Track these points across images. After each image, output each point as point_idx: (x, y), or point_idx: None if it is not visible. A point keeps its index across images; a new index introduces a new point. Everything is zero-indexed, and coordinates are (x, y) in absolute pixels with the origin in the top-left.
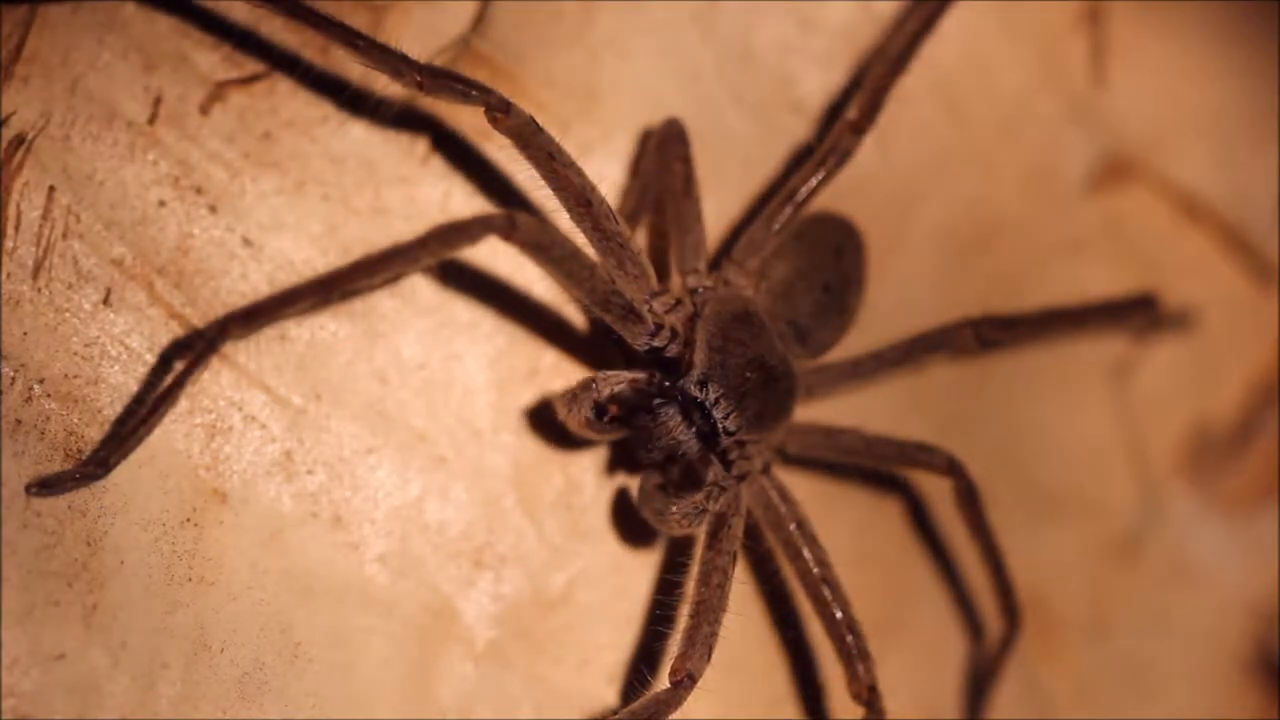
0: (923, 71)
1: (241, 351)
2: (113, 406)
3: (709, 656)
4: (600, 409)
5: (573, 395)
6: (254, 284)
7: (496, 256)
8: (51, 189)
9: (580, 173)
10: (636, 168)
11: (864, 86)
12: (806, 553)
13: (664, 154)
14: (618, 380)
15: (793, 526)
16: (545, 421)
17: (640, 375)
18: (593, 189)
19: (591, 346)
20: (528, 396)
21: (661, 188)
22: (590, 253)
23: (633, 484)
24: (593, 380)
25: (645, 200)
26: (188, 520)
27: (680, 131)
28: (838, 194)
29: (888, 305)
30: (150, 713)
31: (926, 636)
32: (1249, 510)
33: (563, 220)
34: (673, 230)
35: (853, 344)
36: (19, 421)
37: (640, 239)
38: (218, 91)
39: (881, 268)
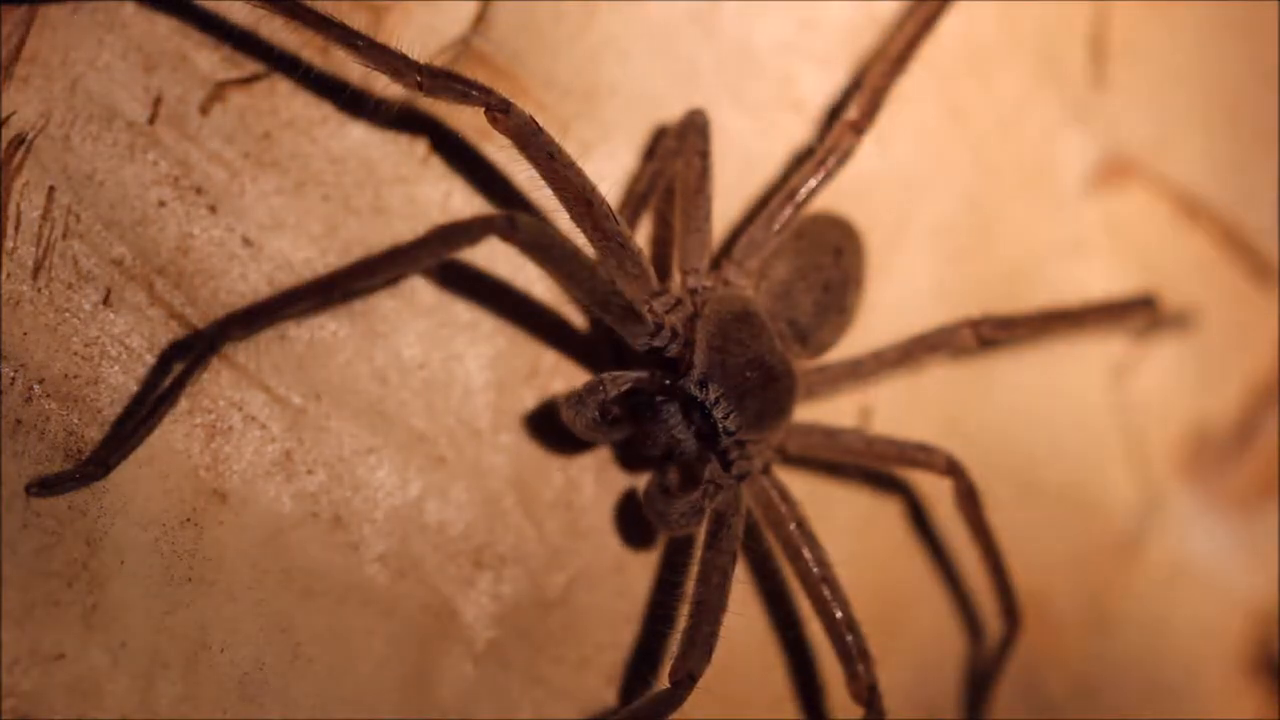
0: (923, 71)
1: (241, 351)
2: (113, 406)
3: (709, 656)
4: (604, 411)
5: (579, 398)
6: (254, 284)
7: (496, 256)
8: (51, 189)
9: (580, 173)
10: (653, 150)
11: (864, 86)
12: (806, 553)
13: (684, 143)
14: (624, 380)
15: (793, 526)
16: (548, 424)
17: (644, 374)
18: (593, 189)
19: (591, 346)
20: (528, 396)
21: (675, 178)
22: (590, 253)
23: (639, 484)
24: (600, 381)
25: (656, 185)
26: (188, 520)
27: (704, 124)
28: (838, 194)
29: (888, 305)
30: (150, 713)
31: (926, 636)
32: (1249, 510)
33: (563, 220)
34: (679, 225)
35: (853, 344)
36: (19, 421)
37: (644, 229)
38: (218, 91)
39: (881, 268)
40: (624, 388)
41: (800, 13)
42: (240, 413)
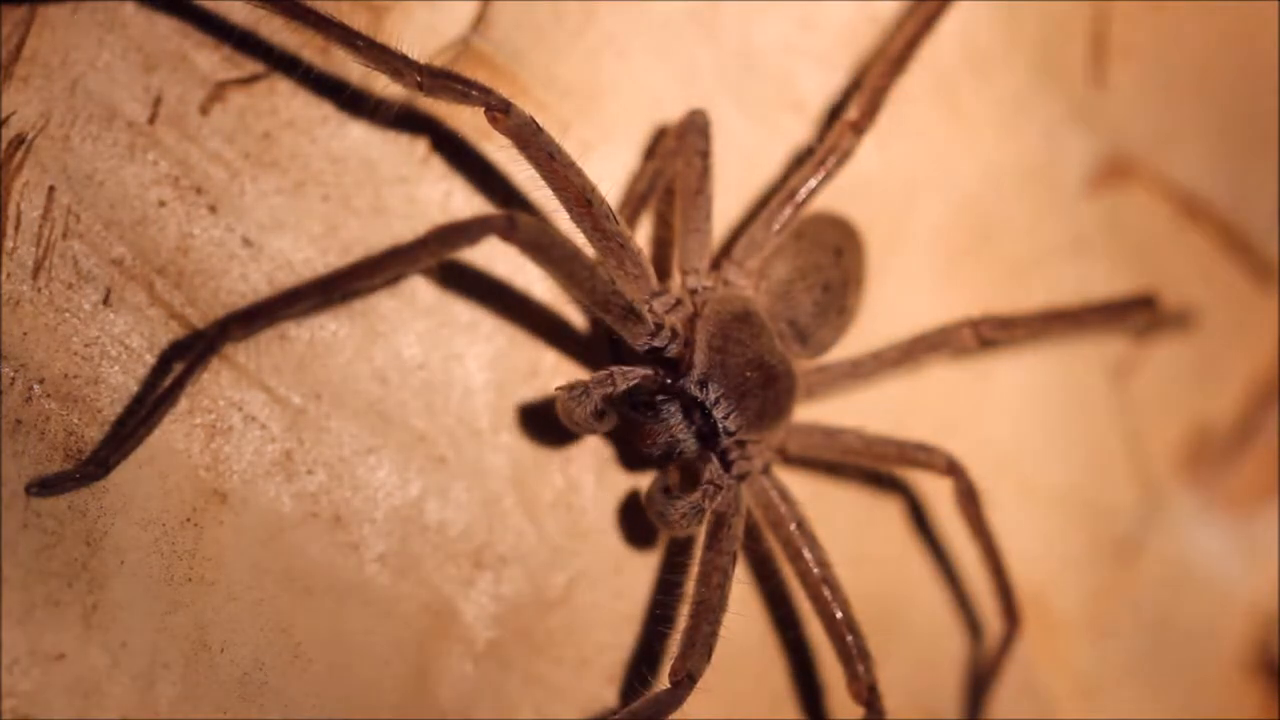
0: (923, 71)
1: (241, 351)
2: (113, 406)
3: (709, 656)
4: (599, 409)
5: (584, 389)
6: (254, 284)
7: (496, 256)
8: (51, 189)
9: (580, 173)
10: (653, 150)
11: (864, 86)
12: (806, 553)
13: (684, 143)
14: (633, 375)
15: (793, 526)
16: (541, 418)
17: (649, 371)
18: (593, 189)
19: (591, 346)
20: (528, 396)
21: (675, 178)
22: (590, 253)
23: (640, 484)
24: (610, 374)
25: (656, 185)
26: (188, 520)
27: (704, 124)
28: (838, 194)
29: (888, 305)
30: (150, 713)
31: (926, 636)
32: (1249, 510)
33: (563, 220)
34: (679, 225)
35: (853, 344)
36: (19, 421)
37: (643, 229)
38: (218, 91)
39: (881, 268)
40: (632, 382)
41: (800, 13)
42: (240, 413)
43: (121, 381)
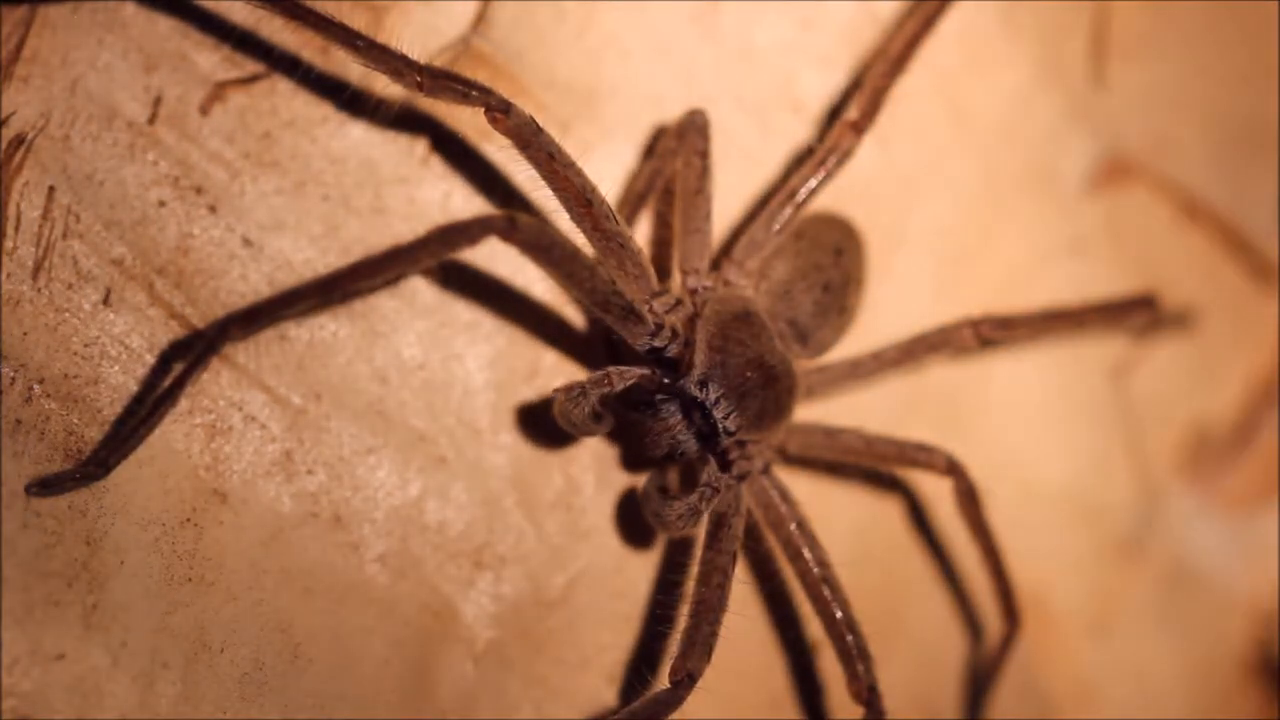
0: (923, 71)
1: (241, 351)
2: (113, 406)
3: (709, 656)
4: (596, 410)
5: (582, 389)
6: (254, 284)
7: (496, 256)
8: (51, 189)
9: (580, 173)
10: (652, 149)
11: (864, 86)
12: (806, 553)
13: (684, 143)
14: (630, 375)
15: (793, 526)
16: (541, 418)
17: (647, 371)
18: (593, 189)
19: (591, 346)
20: (528, 396)
21: (674, 178)
22: (590, 253)
23: (639, 484)
24: (607, 375)
25: (655, 184)
26: (188, 520)
27: (704, 124)
28: (838, 194)
29: (888, 305)
30: (150, 713)
31: (926, 636)
32: (1249, 510)
33: (563, 220)
34: (679, 225)
35: (853, 344)
36: (19, 421)
37: (643, 228)
38: (218, 91)
39: (881, 268)
40: (630, 382)
41: (800, 13)
42: (240, 413)
43: (121, 381)
